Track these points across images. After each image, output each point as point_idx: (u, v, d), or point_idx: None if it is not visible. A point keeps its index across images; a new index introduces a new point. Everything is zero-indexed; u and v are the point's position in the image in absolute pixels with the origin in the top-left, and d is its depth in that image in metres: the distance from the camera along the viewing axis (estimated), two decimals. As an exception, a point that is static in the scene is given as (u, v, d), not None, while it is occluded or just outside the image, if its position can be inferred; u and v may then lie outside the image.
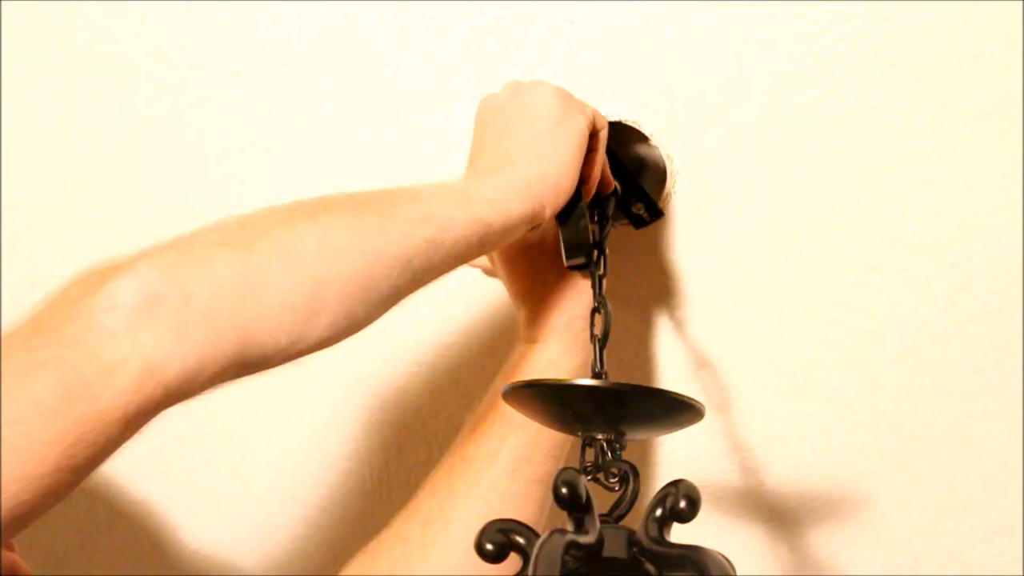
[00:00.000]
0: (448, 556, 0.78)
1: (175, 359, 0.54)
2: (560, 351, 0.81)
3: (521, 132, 0.75)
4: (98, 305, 0.54)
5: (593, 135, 0.78)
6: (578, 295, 0.82)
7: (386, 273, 0.63)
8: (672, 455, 1.02)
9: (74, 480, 0.53)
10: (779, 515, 1.05)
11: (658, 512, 0.57)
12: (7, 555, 0.66)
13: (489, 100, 0.79)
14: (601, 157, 0.80)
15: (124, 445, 0.54)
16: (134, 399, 0.53)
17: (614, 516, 0.62)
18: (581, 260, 0.78)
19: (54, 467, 0.51)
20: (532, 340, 0.83)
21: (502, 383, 0.74)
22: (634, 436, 0.66)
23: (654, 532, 0.57)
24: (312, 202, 0.64)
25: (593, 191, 0.80)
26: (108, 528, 1.11)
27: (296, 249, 0.60)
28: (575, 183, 0.75)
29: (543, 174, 0.72)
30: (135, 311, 0.54)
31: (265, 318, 0.58)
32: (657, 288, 0.95)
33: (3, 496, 0.50)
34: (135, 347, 0.53)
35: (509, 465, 0.80)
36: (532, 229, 0.79)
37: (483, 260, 0.87)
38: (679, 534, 0.58)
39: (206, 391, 0.57)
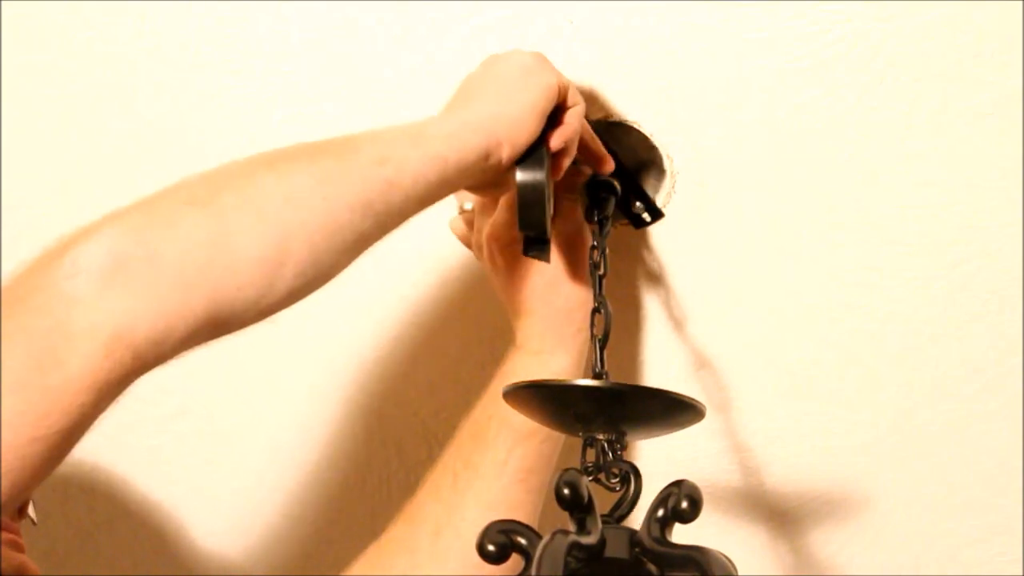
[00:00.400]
0: (461, 567, 0.78)
1: (143, 322, 0.54)
2: (568, 362, 0.82)
3: (488, 83, 0.74)
4: (62, 272, 0.54)
5: (563, 109, 0.76)
6: (583, 305, 0.81)
7: (348, 217, 0.62)
8: (672, 455, 1.02)
9: (52, 453, 0.52)
10: (779, 515, 1.05)
11: (660, 512, 0.57)
12: (16, 556, 0.66)
13: (467, 76, 0.78)
14: (570, 131, 0.76)
15: (102, 416, 0.54)
16: (103, 364, 0.53)
17: (615, 516, 0.62)
18: (535, 232, 0.74)
19: (28, 438, 0.51)
20: (537, 351, 0.82)
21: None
22: (635, 436, 0.66)
23: (656, 532, 0.57)
24: (271, 153, 0.64)
25: (562, 169, 0.76)
26: (108, 528, 1.11)
27: (259, 200, 0.60)
28: (536, 130, 0.72)
29: (501, 112, 0.71)
30: (99, 275, 0.54)
31: (232, 272, 0.57)
32: (657, 288, 0.95)
33: None
34: (101, 312, 0.53)
35: (516, 476, 0.81)
36: (493, 189, 0.75)
37: (464, 231, 0.87)
38: (677, 534, 0.58)
39: (177, 355, 0.57)
